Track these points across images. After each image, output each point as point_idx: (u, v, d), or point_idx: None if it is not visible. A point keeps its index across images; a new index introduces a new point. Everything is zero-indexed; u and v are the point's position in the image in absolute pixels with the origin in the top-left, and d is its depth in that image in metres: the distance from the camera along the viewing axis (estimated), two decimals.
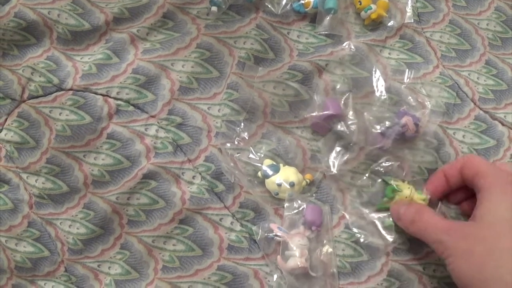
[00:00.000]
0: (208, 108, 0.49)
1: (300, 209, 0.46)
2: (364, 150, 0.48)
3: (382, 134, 0.47)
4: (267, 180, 0.47)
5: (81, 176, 0.48)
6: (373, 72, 0.50)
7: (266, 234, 0.46)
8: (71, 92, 0.49)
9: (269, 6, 0.51)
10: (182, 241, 0.47)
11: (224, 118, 0.49)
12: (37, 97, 0.49)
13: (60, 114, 0.48)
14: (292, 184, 0.46)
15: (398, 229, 0.46)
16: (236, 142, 0.48)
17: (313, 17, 0.52)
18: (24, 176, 0.48)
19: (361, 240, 0.46)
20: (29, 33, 0.50)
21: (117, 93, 0.49)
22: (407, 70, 0.51)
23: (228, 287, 0.46)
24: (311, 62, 0.50)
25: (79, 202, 0.48)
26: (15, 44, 0.50)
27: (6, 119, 0.49)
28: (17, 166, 0.48)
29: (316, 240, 0.46)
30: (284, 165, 0.47)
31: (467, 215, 0.45)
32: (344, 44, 0.51)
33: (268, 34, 0.51)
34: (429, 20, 0.53)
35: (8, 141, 0.48)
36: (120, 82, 0.49)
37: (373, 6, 0.51)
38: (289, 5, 0.51)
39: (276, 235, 0.45)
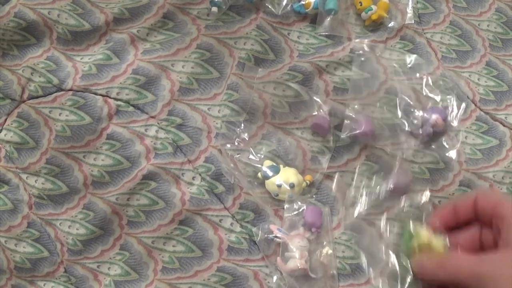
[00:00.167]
0: (208, 109, 0.49)
1: (300, 210, 0.46)
2: (365, 150, 0.48)
3: (411, 133, 0.48)
4: (267, 181, 0.47)
5: (81, 177, 0.48)
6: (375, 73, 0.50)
7: (266, 236, 0.46)
8: (71, 92, 0.49)
9: (270, 6, 0.51)
10: (182, 242, 0.47)
11: (224, 119, 0.49)
12: (37, 97, 0.49)
13: (60, 114, 0.48)
14: (292, 185, 0.46)
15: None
16: (236, 143, 0.48)
17: (313, 18, 0.52)
18: (24, 176, 0.48)
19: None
20: (29, 33, 0.50)
21: (117, 93, 0.49)
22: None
23: None
24: (312, 63, 0.50)
25: (78, 203, 0.48)
26: (15, 44, 0.50)
27: (5, 119, 0.49)
28: (16, 167, 0.48)
29: (316, 241, 0.46)
30: (284, 166, 0.47)
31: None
32: (347, 46, 0.51)
33: (269, 35, 0.51)
34: (429, 21, 0.53)
35: (7, 142, 0.48)
36: (120, 83, 0.49)
37: (373, 7, 0.51)
38: (289, 6, 0.51)
39: (276, 237, 0.45)
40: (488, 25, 0.54)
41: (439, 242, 0.43)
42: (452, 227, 0.44)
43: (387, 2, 0.52)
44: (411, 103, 0.49)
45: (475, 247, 0.43)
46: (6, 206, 0.48)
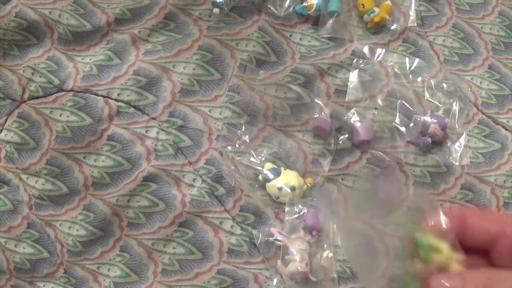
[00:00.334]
0: (209, 111, 0.49)
1: (301, 213, 0.46)
2: (367, 153, 0.48)
3: (410, 142, 0.49)
4: (268, 184, 0.47)
5: (81, 178, 0.48)
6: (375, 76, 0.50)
7: (266, 238, 0.46)
8: (71, 93, 0.49)
9: (272, 8, 0.51)
10: (182, 244, 0.47)
11: (225, 120, 0.49)
12: (37, 97, 0.49)
13: (60, 115, 0.48)
14: (293, 188, 0.46)
15: None
16: (237, 145, 0.48)
17: (315, 20, 0.52)
18: (24, 177, 0.48)
19: None
20: (30, 33, 0.50)
21: (118, 94, 0.49)
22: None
23: None
24: (313, 65, 0.50)
25: (79, 204, 0.48)
26: (15, 44, 0.50)
27: (6, 120, 0.49)
28: (17, 167, 0.48)
29: (316, 244, 0.46)
30: (285, 169, 0.47)
31: None
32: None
33: (270, 36, 0.51)
34: (432, 23, 0.53)
35: (8, 142, 0.48)
36: (121, 84, 0.49)
37: (376, 9, 0.51)
38: (291, 8, 0.51)
39: (277, 239, 0.45)
40: (491, 28, 0.54)
41: (458, 258, 0.33)
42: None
43: (389, 5, 0.52)
44: (412, 109, 0.49)
45: None
46: (6, 207, 0.48)
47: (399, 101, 0.50)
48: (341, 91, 0.50)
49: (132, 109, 0.49)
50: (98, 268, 0.47)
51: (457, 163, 0.49)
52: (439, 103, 0.50)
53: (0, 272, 0.47)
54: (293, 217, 0.46)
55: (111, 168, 0.48)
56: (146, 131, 0.48)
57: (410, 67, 0.51)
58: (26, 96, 0.49)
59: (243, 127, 0.49)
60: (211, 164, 0.48)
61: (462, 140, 0.50)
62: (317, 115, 0.49)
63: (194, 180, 0.48)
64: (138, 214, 0.47)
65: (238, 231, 0.47)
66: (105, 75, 0.49)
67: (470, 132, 0.50)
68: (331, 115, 0.49)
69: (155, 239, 0.47)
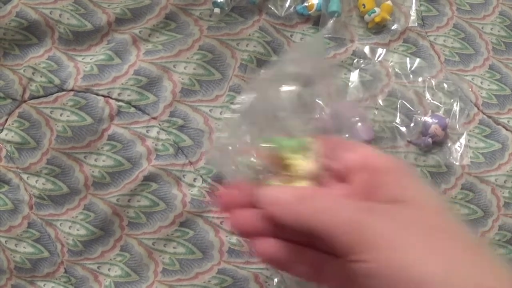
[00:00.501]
0: (210, 111, 0.49)
1: None
2: None
3: (411, 142, 0.49)
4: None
5: (82, 177, 0.48)
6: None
7: None
8: (72, 92, 0.49)
9: (272, 8, 0.51)
10: (183, 244, 0.47)
11: (226, 120, 0.49)
12: (38, 97, 0.49)
13: (61, 114, 0.48)
14: None
15: None
16: (237, 145, 0.48)
17: (316, 20, 0.52)
18: (25, 176, 0.48)
19: None
20: (30, 32, 0.50)
21: (119, 94, 0.49)
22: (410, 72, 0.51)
23: None
24: None
25: (79, 204, 0.48)
26: (16, 43, 0.50)
27: (6, 119, 0.49)
28: (17, 167, 0.48)
29: None
30: None
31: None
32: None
33: (271, 36, 0.51)
34: (433, 24, 0.53)
35: (8, 141, 0.48)
36: (122, 83, 0.49)
37: (377, 9, 0.51)
38: (292, 8, 0.51)
39: None
40: (491, 29, 0.54)
41: (312, 167, 0.30)
42: None
43: (390, 5, 0.51)
44: (412, 109, 0.49)
45: None
46: (6, 206, 0.48)
47: (399, 101, 0.50)
48: (342, 91, 0.50)
49: (132, 109, 0.49)
50: (98, 267, 0.47)
51: (457, 163, 0.49)
52: (440, 103, 0.50)
53: (1, 272, 0.47)
54: None
55: (112, 167, 0.48)
56: (147, 131, 0.48)
57: (410, 67, 0.51)
58: (26, 95, 0.49)
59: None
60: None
61: (462, 140, 0.50)
62: (318, 115, 0.49)
63: (194, 179, 0.48)
64: (139, 213, 0.47)
65: None
66: (105, 75, 0.49)
67: (470, 132, 0.50)
68: (332, 115, 0.49)
69: (155, 238, 0.47)
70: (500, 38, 0.54)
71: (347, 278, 0.28)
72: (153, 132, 0.48)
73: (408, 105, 0.50)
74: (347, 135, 0.48)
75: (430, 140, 0.48)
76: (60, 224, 0.47)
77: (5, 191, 0.48)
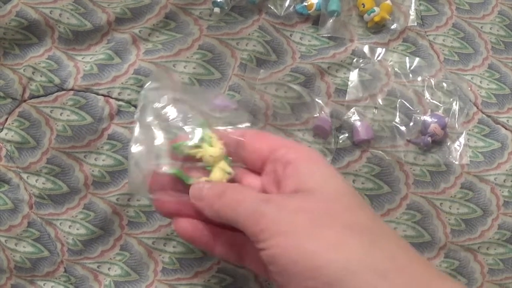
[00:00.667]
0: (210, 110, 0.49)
1: None
2: (367, 153, 0.48)
3: (410, 141, 0.49)
4: None
5: (82, 177, 0.48)
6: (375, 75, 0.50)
7: None
8: (72, 92, 0.49)
9: (272, 8, 0.51)
10: (183, 243, 0.47)
11: None
12: (38, 96, 0.49)
13: (61, 114, 0.48)
14: None
15: None
16: None
17: (316, 19, 0.52)
18: (25, 176, 0.48)
19: None
20: (30, 32, 0.50)
21: (119, 93, 0.49)
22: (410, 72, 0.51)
23: None
24: (314, 65, 0.50)
25: (79, 203, 0.48)
26: (16, 43, 0.50)
27: (6, 119, 0.49)
28: (17, 166, 0.48)
29: None
30: None
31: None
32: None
33: (271, 36, 0.51)
34: (432, 23, 0.53)
35: (8, 141, 0.48)
36: (122, 83, 0.49)
37: (376, 8, 0.51)
38: (292, 7, 0.51)
39: None
40: (491, 28, 0.54)
41: (225, 165, 0.34)
42: None
43: (390, 4, 0.52)
44: (412, 108, 0.49)
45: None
46: (6, 206, 0.48)
47: (399, 100, 0.50)
48: (341, 91, 0.50)
49: (132, 108, 0.49)
50: (98, 267, 0.47)
51: (457, 162, 0.49)
52: (439, 102, 0.50)
53: (1, 271, 0.47)
54: None
55: (112, 167, 0.48)
56: None
57: (410, 66, 0.51)
58: (26, 95, 0.49)
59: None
60: None
61: (462, 139, 0.50)
62: (317, 114, 0.49)
63: None
64: (139, 213, 0.47)
65: None
66: (105, 74, 0.49)
67: (470, 131, 0.50)
68: (331, 114, 0.49)
69: (155, 238, 0.47)
70: (499, 38, 0.54)
71: (264, 265, 0.30)
72: None
73: (408, 104, 0.50)
74: (346, 135, 0.48)
75: (429, 139, 0.48)
76: (60, 224, 0.48)
77: (5, 191, 0.48)
